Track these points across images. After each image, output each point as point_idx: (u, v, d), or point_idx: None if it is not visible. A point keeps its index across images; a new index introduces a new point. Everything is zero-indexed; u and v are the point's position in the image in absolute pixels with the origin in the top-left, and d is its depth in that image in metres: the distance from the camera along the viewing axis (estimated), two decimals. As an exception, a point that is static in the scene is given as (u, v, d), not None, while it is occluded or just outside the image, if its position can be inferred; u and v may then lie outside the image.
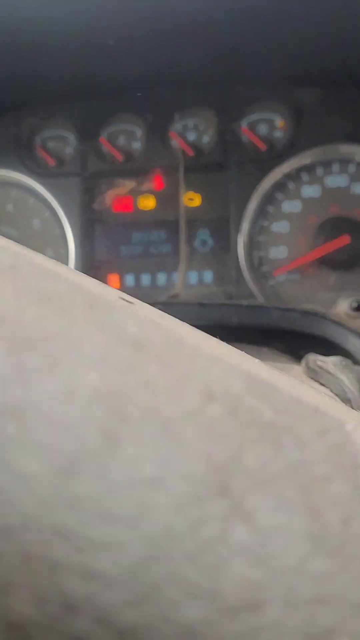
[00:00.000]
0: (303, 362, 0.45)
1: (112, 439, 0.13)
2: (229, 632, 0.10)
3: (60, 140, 0.71)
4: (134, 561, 0.11)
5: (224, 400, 0.16)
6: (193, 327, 0.21)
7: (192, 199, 0.68)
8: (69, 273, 0.20)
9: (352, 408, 0.39)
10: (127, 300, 0.20)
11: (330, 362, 0.43)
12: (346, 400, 0.40)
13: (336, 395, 0.40)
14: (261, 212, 0.66)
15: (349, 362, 0.45)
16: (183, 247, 0.67)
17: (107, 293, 0.20)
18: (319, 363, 0.43)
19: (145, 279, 0.69)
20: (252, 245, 0.66)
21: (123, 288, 0.69)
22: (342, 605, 0.12)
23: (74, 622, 0.10)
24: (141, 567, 0.11)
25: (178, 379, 0.16)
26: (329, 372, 0.41)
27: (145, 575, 0.11)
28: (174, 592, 0.11)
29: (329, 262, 0.64)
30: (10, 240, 0.19)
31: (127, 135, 0.70)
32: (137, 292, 0.68)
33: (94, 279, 0.21)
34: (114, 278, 0.69)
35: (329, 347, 0.53)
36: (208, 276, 0.68)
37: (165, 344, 0.17)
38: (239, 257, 0.66)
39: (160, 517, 0.12)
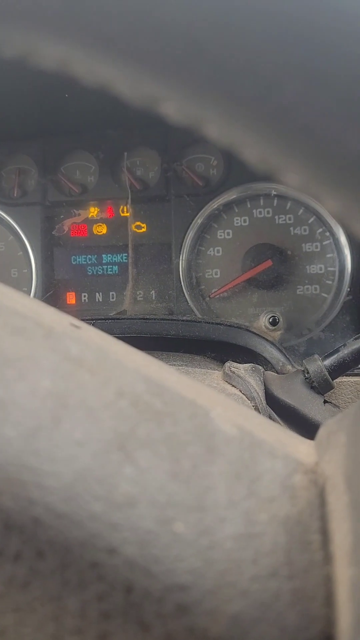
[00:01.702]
0: (222, 369, 0.54)
1: (57, 419, 0.21)
2: (114, 516, 0.19)
3: (23, 173, 0.79)
4: (66, 481, 0.19)
5: (129, 397, 0.25)
6: (120, 343, 0.29)
7: (139, 227, 0.77)
8: (33, 306, 0.28)
9: (257, 405, 0.48)
10: (75, 325, 0.29)
11: (242, 368, 0.52)
12: (251, 399, 0.49)
13: (244, 394, 0.49)
14: (198, 239, 0.76)
15: (258, 368, 0.55)
16: (131, 269, 0.76)
17: (60, 321, 0.28)
18: (233, 369, 0.52)
19: (98, 296, 0.77)
20: (190, 267, 0.76)
21: (79, 304, 0.77)
22: (181, 507, 0.20)
23: (32, 509, 0.19)
24: (70, 485, 0.19)
25: (101, 383, 0.25)
26: (239, 377, 0.51)
27: (71, 489, 0.19)
28: (86, 496, 0.19)
29: (254, 283, 0.74)
30: None
31: (82, 170, 0.78)
32: (91, 307, 0.76)
33: (51, 309, 0.29)
34: (71, 295, 0.77)
35: (250, 356, 0.63)
36: (152, 294, 0.77)
37: (96, 360, 0.26)
38: (179, 278, 0.75)
39: (83, 461, 0.20)
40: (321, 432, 0.29)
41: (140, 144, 0.77)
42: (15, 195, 0.80)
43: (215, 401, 0.28)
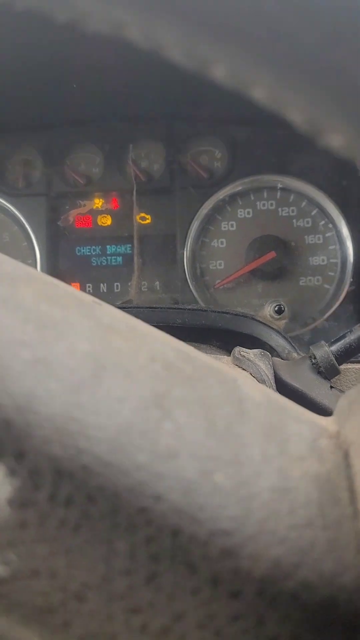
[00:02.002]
0: (232, 354, 0.55)
1: (97, 377, 0.22)
2: (158, 466, 0.20)
3: (28, 164, 0.80)
4: (111, 434, 0.20)
5: (162, 362, 0.25)
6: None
7: (144, 218, 0.78)
8: (60, 282, 0.29)
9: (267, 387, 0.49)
10: (98, 303, 0.30)
11: (252, 353, 0.53)
12: (261, 381, 0.50)
13: (254, 377, 0.50)
14: (202, 230, 0.77)
15: (267, 353, 0.56)
16: (136, 260, 0.77)
17: (86, 296, 0.29)
18: (243, 353, 0.53)
19: (103, 287, 0.78)
20: (195, 258, 0.77)
21: (83, 294, 0.78)
22: (219, 460, 0.21)
23: (81, 458, 0.19)
24: (115, 438, 0.20)
25: (134, 349, 0.25)
26: (249, 360, 0.52)
27: (117, 441, 0.20)
28: (131, 447, 0.20)
29: (258, 274, 0.75)
30: (15, 261, 0.29)
31: (88, 162, 0.79)
32: (96, 298, 0.77)
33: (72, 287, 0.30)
34: (75, 286, 0.78)
35: (257, 344, 0.64)
36: (157, 285, 0.77)
37: (126, 329, 0.27)
38: (184, 269, 0.76)
39: (124, 416, 0.21)
40: (342, 402, 0.30)
41: (146, 136, 0.78)
42: (20, 186, 0.80)
43: (238, 373, 0.29)
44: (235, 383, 0.27)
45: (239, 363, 0.53)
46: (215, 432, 0.23)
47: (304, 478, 0.23)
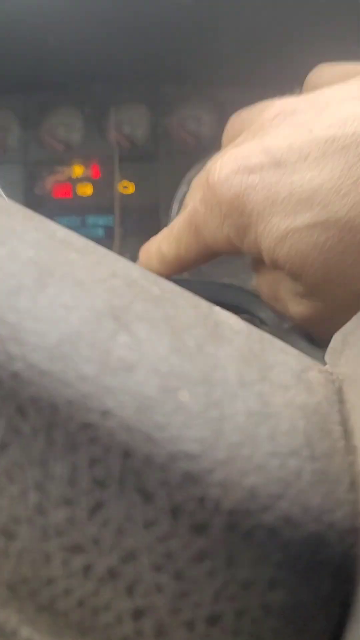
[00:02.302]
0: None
1: (41, 283, 0.19)
2: (108, 380, 0.17)
3: (3, 130, 0.76)
4: (52, 342, 0.17)
5: (124, 278, 0.22)
6: None
7: (127, 187, 0.74)
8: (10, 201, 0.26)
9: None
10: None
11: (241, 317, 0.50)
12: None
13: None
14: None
15: (254, 320, 0.53)
16: (117, 231, 0.74)
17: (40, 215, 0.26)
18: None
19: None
20: (180, 229, 0.73)
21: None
22: (185, 379, 0.18)
23: (12, 364, 0.16)
24: (56, 346, 0.17)
25: (92, 263, 0.22)
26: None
27: (58, 350, 0.17)
28: (75, 357, 0.17)
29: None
30: None
31: (66, 127, 0.76)
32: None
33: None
34: (53, 257, 0.74)
35: (244, 316, 0.60)
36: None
37: (84, 245, 0.24)
38: (168, 239, 0.73)
39: (71, 324, 0.18)
40: (336, 337, 0.27)
41: (129, 98, 0.75)
42: (-5, 152, 0.77)
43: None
44: (211, 309, 0.24)
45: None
46: (182, 349, 0.19)
47: (289, 406, 0.19)
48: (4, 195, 0.75)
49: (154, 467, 0.15)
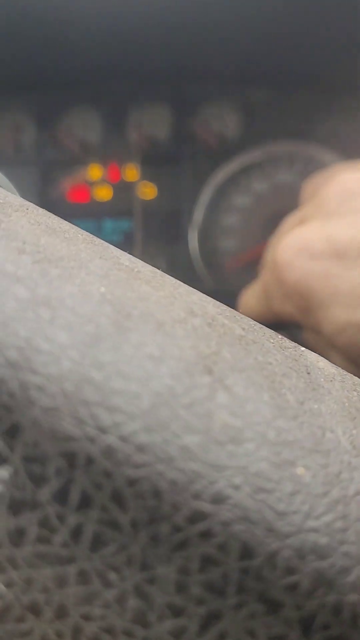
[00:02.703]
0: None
1: (121, 328, 0.16)
2: (216, 455, 0.14)
3: (19, 129, 0.74)
4: (145, 406, 0.14)
5: (203, 317, 0.20)
6: None
7: (148, 191, 0.72)
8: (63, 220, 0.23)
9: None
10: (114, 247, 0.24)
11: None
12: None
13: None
14: (212, 205, 0.71)
15: (295, 337, 0.50)
16: (138, 236, 0.71)
17: (96, 238, 0.23)
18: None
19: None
20: (204, 235, 0.71)
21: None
22: (298, 448, 0.15)
23: (104, 438, 0.13)
24: (151, 410, 0.14)
25: (166, 298, 0.19)
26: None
27: (154, 415, 0.14)
28: (176, 427, 0.14)
29: (276, 253, 0.69)
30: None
31: (83, 127, 0.73)
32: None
33: None
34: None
35: (284, 333, 0.57)
36: (162, 264, 0.71)
37: (152, 274, 0.21)
38: (190, 247, 0.70)
39: (163, 380, 0.15)
40: None
41: (150, 97, 0.72)
42: (9, 153, 0.74)
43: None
44: (297, 350, 0.22)
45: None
46: (285, 408, 0.17)
47: None
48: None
49: (279, 567, 0.13)
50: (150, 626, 0.13)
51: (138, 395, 0.14)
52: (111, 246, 0.22)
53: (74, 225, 0.23)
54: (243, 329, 0.20)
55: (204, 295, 0.22)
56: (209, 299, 0.22)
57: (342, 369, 0.39)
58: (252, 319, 0.50)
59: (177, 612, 0.13)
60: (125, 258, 0.21)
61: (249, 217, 0.71)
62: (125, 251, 0.67)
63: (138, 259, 0.23)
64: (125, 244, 0.72)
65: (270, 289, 0.42)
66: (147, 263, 0.68)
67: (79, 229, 0.22)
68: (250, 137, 0.71)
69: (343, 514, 0.14)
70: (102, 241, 0.22)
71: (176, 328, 0.18)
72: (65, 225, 0.21)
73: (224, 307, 0.22)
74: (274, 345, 0.20)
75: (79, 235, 0.21)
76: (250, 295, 0.50)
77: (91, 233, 0.68)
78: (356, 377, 0.22)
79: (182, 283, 0.23)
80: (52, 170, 0.74)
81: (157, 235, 0.72)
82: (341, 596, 0.13)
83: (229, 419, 0.15)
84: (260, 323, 0.50)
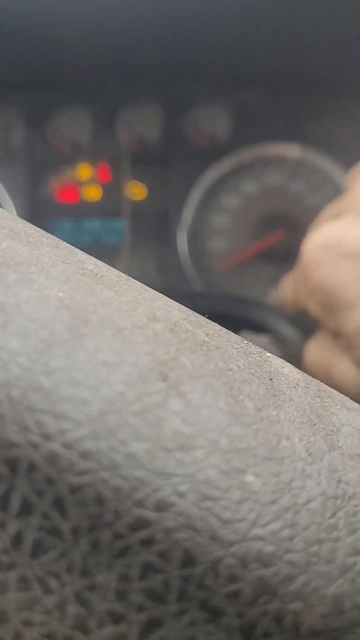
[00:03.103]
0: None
1: (77, 334, 0.16)
2: (163, 462, 0.14)
3: (8, 128, 0.74)
4: (94, 413, 0.14)
5: (166, 322, 0.20)
6: None
7: (137, 191, 0.72)
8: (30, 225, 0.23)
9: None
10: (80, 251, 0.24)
11: (261, 339, 0.48)
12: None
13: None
14: (202, 206, 0.71)
15: (277, 341, 0.50)
16: (126, 237, 0.71)
17: (63, 242, 0.23)
18: (251, 337, 0.47)
19: (89, 266, 0.72)
20: (194, 237, 0.71)
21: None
22: (250, 456, 0.16)
23: (47, 445, 0.13)
24: (99, 417, 0.14)
25: (128, 303, 0.20)
26: (259, 346, 0.46)
27: (102, 423, 0.14)
28: (123, 434, 0.14)
29: (264, 256, 0.69)
30: None
31: (74, 127, 0.73)
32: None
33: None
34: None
35: (259, 332, 0.58)
36: (150, 265, 0.71)
37: (117, 279, 0.21)
38: (179, 248, 0.70)
39: (114, 387, 0.15)
40: None
41: (140, 97, 0.72)
42: (-2, 152, 0.74)
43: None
44: (262, 355, 0.22)
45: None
46: (242, 415, 0.17)
47: (362, 482, 0.17)
48: (10, 198, 0.73)
49: (221, 575, 0.13)
50: (90, 632, 0.13)
51: (87, 402, 0.14)
52: (78, 250, 0.22)
53: (40, 230, 0.23)
54: (207, 334, 0.20)
55: (170, 300, 0.22)
56: (176, 304, 0.22)
57: (357, 374, 0.39)
58: (287, 307, 0.49)
59: (117, 619, 0.13)
60: (90, 262, 0.21)
61: (238, 219, 0.71)
62: (114, 252, 0.67)
63: (105, 264, 0.23)
64: (114, 244, 0.73)
65: (298, 282, 0.41)
66: (136, 264, 0.68)
67: (46, 233, 0.22)
68: (240, 138, 0.71)
69: (292, 522, 0.14)
70: (69, 245, 0.22)
71: (135, 334, 0.18)
72: (30, 229, 0.21)
73: (190, 312, 0.22)
74: (237, 352, 0.20)
75: (44, 239, 0.21)
76: (287, 284, 0.49)
77: (80, 233, 0.68)
78: (324, 384, 0.22)
79: (148, 288, 0.23)
80: (42, 170, 0.74)
81: (146, 236, 0.72)
82: (284, 604, 0.13)
83: (180, 427, 0.15)
84: (294, 313, 0.50)
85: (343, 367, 0.39)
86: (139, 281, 0.68)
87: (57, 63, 0.71)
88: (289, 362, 0.50)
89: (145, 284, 0.62)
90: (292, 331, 0.58)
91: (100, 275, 0.21)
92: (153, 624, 0.13)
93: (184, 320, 0.20)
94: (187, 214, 0.71)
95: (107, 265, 0.23)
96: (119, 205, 0.72)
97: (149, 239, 0.72)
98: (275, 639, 0.13)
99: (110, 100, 0.73)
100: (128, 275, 0.66)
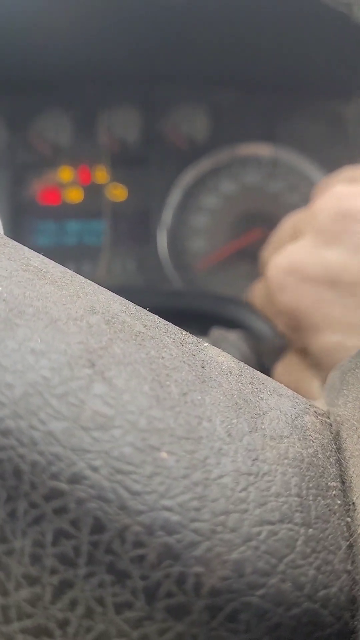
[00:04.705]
0: (209, 336, 0.50)
1: (9, 324, 0.18)
2: (80, 440, 0.15)
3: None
4: (17, 395, 0.16)
5: (103, 314, 0.21)
6: None
7: (118, 192, 0.73)
8: None
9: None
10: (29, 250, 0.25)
11: (232, 334, 0.49)
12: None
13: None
14: (181, 206, 0.72)
15: (250, 337, 0.51)
16: (107, 238, 0.72)
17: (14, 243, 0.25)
18: (223, 334, 0.48)
19: (70, 267, 0.73)
20: (173, 236, 0.72)
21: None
22: (167, 435, 0.17)
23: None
24: (22, 399, 0.16)
25: (68, 297, 0.21)
26: (230, 342, 0.47)
27: (24, 404, 0.16)
28: (43, 415, 0.15)
29: (243, 254, 0.70)
30: None
31: (55, 130, 0.74)
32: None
33: None
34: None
35: (240, 331, 0.59)
36: (131, 265, 0.73)
37: (62, 275, 0.22)
38: (159, 248, 0.71)
39: (40, 372, 0.16)
40: (332, 376, 0.26)
41: (120, 100, 0.73)
42: (-20, 156, 0.75)
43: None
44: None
45: (217, 345, 0.48)
46: (164, 399, 0.18)
47: (281, 461, 0.18)
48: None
49: (127, 542, 0.14)
50: (8, 594, 0.14)
51: (11, 386, 0.16)
52: (27, 249, 0.23)
53: None
54: (145, 325, 0.22)
55: (114, 294, 0.23)
56: (119, 298, 0.23)
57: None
58: (263, 312, 0.50)
59: (32, 581, 0.14)
60: (37, 260, 0.22)
61: (217, 218, 0.73)
62: (95, 253, 0.68)
63: (53, 262, 0.24)
64: (95, 245, 0.74)
65: (265, 298, 0.42)
66: (117, 264, 0.69)
67: None
68: (218, 139, 0.72)
69: (201, 495, 0.15)
70: (18, 244, 0.23)
71: (69, 325, 0.19)
72: None
73: (132, 305, 0.23)
74: (173, 341, 0.21)
75: None
76: (256, 291, 0.50)
77: (62, 235, 0.69)
78: (260, 373, 0.23)
79: (93, 283, 0.24)
80: (23, 173, 0.75)
81: (126, 236, 0.74)
82: (186, 568, 0.14)
83: (100, 408, 0.16)
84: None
85: (312, 386, 0.40)
86: (121, 280, 0.69)
87: (38, 67, 0.72)
88: (264, 358, 0.51)
89: (126, 283, 0.64)
90: (265, 327, 0.59)
91: (45, 272, 0.22)
92: (65, 586, 0.14)
93: (123, 312, 0.22)
94: (167, 214, 0.72)
95: (55, 263, 0.24)
96: (100, 206, 0.73)
97: (130, 239, 0.73)
98: (177, 599, 0.14)
99: (90, 103, 0.74)
100: (110, 274, 0.67)
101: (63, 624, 0.14)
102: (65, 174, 0.74)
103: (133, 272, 0.73)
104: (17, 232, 0.74)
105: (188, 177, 0.72)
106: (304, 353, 0.39)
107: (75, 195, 0.74)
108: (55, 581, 0.14)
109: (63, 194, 0.74)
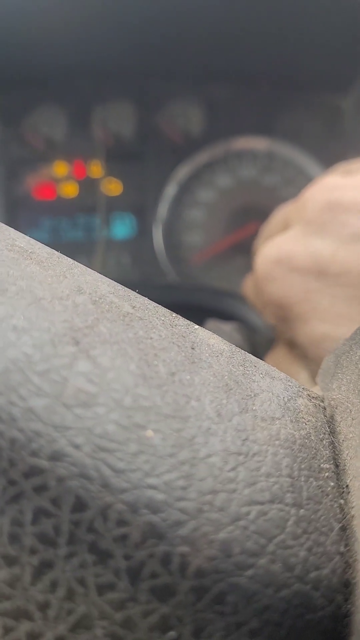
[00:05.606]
0: (204, 327, 0.50)
1: (-9, 302, 0.17)
2: (61, 417, 0.15)
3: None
4: (-1, 371, 0.15)
5: (90, 295, 0.20)
6: None
7: (113, 187, 0.72)
8: None
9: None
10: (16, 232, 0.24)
11: (227, 326, 0.48)
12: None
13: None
14: (177, 200, 0.71)
15: (245, 328, 0.51)
16: (102, 232, 0.72)
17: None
18: (218, 325, 0.48)
19: (66, 262, 0.72)
20: (168, 230, 0.71)
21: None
22: (153, 414, 0.16)
23: None
24: (2, 375, 0.15)
25: (54, 277, 0.20)
26: (225, 333, 0.47)
27: (4, 380, 0.15)
28: (24, 391, 0.15)
29: (239, 248, 0.70)
30: None
31: (50, 124, 0.74)
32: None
33: None
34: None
35: (235, 323, 0.58)
36: (126, 259, 0.72)
37: (48, 256, 0.22)
38: (155, 242, 0.71)
39: (22, 349, 0.16)
40: (327, 359, 0.25)
41: (115, 95, 0.73)
42: (-26, 150, 0.75)
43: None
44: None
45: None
46: (152, 378, 0.17)
47: (272, 442, 0.17)
48: (-16, 196, 0.73)
49: (110, 520, 0.13)
50: (-15, 576, 0.13)
51: (-9, 362, 0.15)
52: (12, 230, 0.23)
53: None
54: (133, 307, 0.21)
55: (102, 276, 0.23)
56: (107, 280, 0.23)
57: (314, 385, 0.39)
58: (254, 304, 0.49)
59: (10, 561, 0.13)
60: (23, 241, 0.22)
61: (213, 212, 0.72)
62: (90, 247, 0.67)
63: (40, 243, 0.23)
64: (91, 240, 0.73)
65: (254, 291, 0.41)
66: (112, 258, 0.68)
67: None
68: (213, 133, 0.72)
69: (187, 474, 0.15)
70: (3, 225, 0.23)
71: (54, 304, 0.18)
72: None
73: (121, 287, 0.22)
74: (162, 323, 0.21)
75: None
76: (248, 284, 0.50)
77: (58, 229, 0.68)
78: (252, 356, 0.22)
79: (81, 265, 0.23)
80: (18, 168, 0.74)
81: (122, 231, 0.73)
82: (171, 547, 0.14)
83: (84, 385, 0.16)
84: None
85: (300, 378, 0.39)
86: (116, 274, 0.69)
87: (32, 62, 0.72)
88: (258, 349, 0.51)
89: (121, 277, 0.63)
90: (260, 319, 0.58)
91: (30, 252, 0.21)
92: (45, 566, 0.13)
93: (111, 293, 0.21)
94: (162, 209, 0.72)
95: (43, 245, 0.24)
96: (96, 201, 0.73)
97: (125, 233, 0.73)
98: (162, 579, 0.13)
99: (84, 97, 0.73)
100: (105, 269, 0.67)
101: (43, 606, 0.14)
102: (60, 168, 0.74)
103: (128, 266, 0.72)
104: (12, 227, 0.74)
105: (183, 171, 0.72)
106: (292, 344, 0.39)
107: (70, 190, 0.74)
108: (35, 561, 0.13)
109: (58, 189, 0.74)
